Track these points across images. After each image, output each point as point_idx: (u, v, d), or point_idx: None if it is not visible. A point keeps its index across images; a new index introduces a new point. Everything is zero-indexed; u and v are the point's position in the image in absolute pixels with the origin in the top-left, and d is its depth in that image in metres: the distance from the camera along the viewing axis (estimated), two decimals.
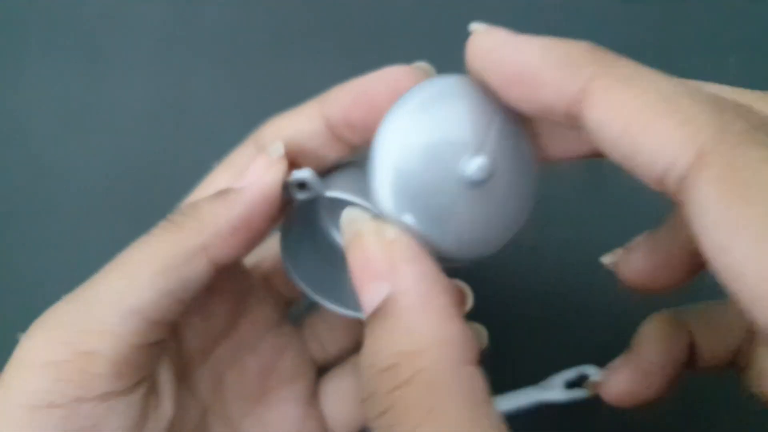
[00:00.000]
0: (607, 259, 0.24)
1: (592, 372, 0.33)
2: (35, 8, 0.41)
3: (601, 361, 0.33)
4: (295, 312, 0.30)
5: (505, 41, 0.18)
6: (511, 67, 0.18)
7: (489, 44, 0.19)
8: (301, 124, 0.24)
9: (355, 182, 0.22)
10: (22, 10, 0.41)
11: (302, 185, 0.22)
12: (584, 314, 0.35)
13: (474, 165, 0.18)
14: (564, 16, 0.37)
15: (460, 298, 0.24)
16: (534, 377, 0.34)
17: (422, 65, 0.22)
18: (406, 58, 0.36)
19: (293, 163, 0.23)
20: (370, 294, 0.17)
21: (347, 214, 0.20)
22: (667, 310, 0.25)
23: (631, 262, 0.23)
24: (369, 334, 0.17)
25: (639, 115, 0.15)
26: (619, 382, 0.25)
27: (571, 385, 0.33)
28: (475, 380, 0.16)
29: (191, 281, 0.21)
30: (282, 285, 0.29)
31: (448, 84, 0.20)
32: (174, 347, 0.25)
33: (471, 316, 0.35)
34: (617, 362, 0.26)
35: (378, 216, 0.19)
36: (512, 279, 0.35)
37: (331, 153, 0.24)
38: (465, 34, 0.38)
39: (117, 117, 0.39)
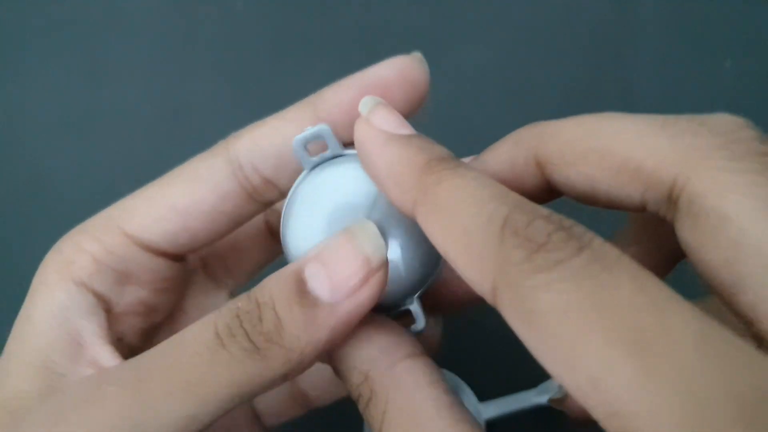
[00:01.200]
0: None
1: (555, 386, 0.33)
2: (35, 11, 0.41)
3: None
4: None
5: (371, 138, 0.18)
6: (371, 168, 0.18)
7: (362, 135, 0.18)
8: (289, 132, 0.21)
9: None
10: (22, 13, 0.41)
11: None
12: None
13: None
14: (557, 20, 0.37)
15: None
16: (531, 382, 0.34)
17: (418, 55, 0.21)
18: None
19: (273, 181, 0.21)
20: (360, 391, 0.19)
21: None
22: None
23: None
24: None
25: (446, 248, 0.16)
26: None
27: None
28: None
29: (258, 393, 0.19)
30: (222, 272, 0.27)
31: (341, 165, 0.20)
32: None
33: (470, 324, 0.35)
34: None
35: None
36: None
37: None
38: (460, 39, 0.39)
39: (116, 120, 0.39)
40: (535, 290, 0.14)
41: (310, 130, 0.20)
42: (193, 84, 0.39)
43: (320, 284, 0.18)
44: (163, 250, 0.22)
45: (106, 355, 0.20)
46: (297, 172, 0.21)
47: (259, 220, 0.26)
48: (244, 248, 0.26)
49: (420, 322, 0.20)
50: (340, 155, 0.20)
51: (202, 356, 0.18)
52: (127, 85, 0.40)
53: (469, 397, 0.34)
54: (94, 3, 0.40)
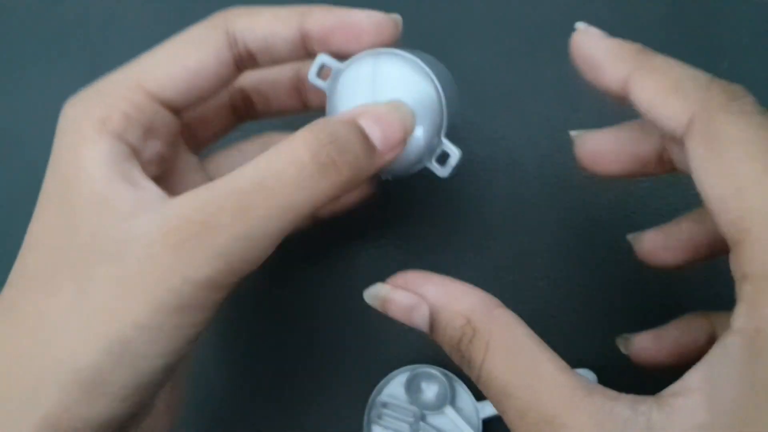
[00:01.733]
0: (573, 133, 0.30)
1: (587, 375, 0.33)
2: (36, 15, 0.41)
3: (595, 365, 0.34)
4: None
5: (588, 40, 0.25)
6: (588, 58, 0.25)
7: (579, 41, 0.25)
8: (277, 26, 0.26)
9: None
10: (23, 16, 0.41)
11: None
12: (578, 319, 0.35)
13: None
14: (555, 22, 0.37)
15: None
16: None
17: (396, 17, 0.27)
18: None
19: (256, 59, 0.27)
20: (419, 320, 0.24)
21: (370, 296, 0.25)
22: None
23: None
24: (436, 334, 0.24)
25: (656, 95, 0.22)
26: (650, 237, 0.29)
27: None
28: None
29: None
30: (189, 136, 0.30)
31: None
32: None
33: None
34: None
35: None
36: (508, 287, 0.36)
37: (294, 56, 0.27)
38: (458, 39, 0.39)
39: None
40: (725, 124, 0.21)
41: (314, 63, 0.26)
42: None
43: (375, 135, 0.24)
44: (175, 107, 0.26)
45: (156, 188, 0.24)
46: (274, 56, 0.27)
47: (223, 96, 0.31)
48: (209, 119, 0.31)
49: (455, 151, 0.27)
50: (351, 62, 0.27)
51: (294, 183, 0.22)
52: None
53: (466, 396, 0.34)
54: (97, 6, 0.40)
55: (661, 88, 0.22)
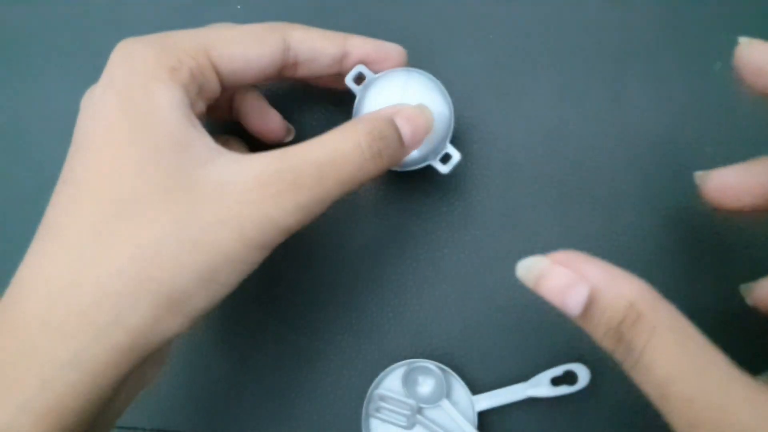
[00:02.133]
0: (698, 174, 0.30)
1: (580, 370, 0.34)
2: (39, 18, 0.41)
3: (587, 360, 0.34)
4: None
5: (754, 52, 0.26)
6: (757, 69, 0.26)
7: (746, 53, 0.26)
8: (325, 43, 0.31)
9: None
10: (26, 19, 0.41)
11: (360, 78, 0.33)
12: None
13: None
14: (549, 23, 0.37)
15: None
16: (522, 375, 0.35)
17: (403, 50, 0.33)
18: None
19: (296, 66, 0.31)
20: (576, 298, 0.24)
21: (524, 267, 0.26)
22: None
23: (721, 179, 0.29)
24: (591, 317, 0.24)
25: None
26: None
27: (557, 381, 0.34)
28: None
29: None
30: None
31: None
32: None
33: (464, 321, 0.36)
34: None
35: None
36: (502, 284, 0.36)
37: (333, 69, 0.32)
38: (456, 39, 0.39)
39: None
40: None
41: (353, 70, 0.32)
42: None
43: (406, 132, 0.30)
44: (224, 82, 0.29)
45: (216, 145, 0.27)
46: (315, 69, 0.32)
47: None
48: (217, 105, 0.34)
49: (456, 154, 0.32)
50: (381, 75, 0.33)
51: (355, 163, 0.27)
52: None
53: (461, 389, 0.35)
54: (97, 6, 0.41)
55: None
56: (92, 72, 0.40)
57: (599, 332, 0.24)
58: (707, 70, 0.37)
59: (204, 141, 0.26)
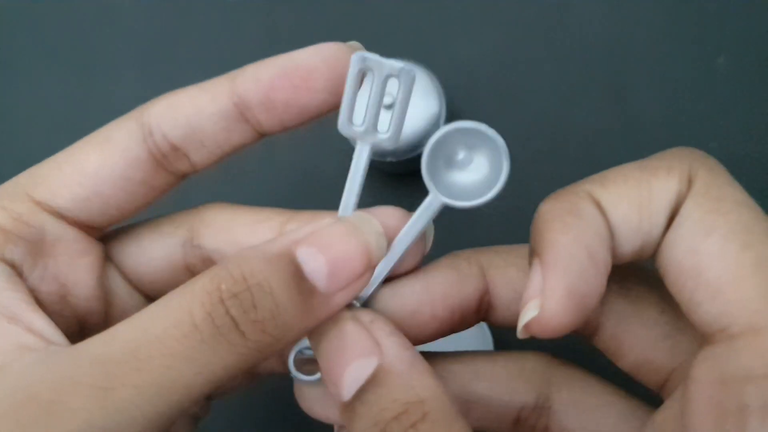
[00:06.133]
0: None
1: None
2: (29, 16, 0.41)
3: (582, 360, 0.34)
4: None
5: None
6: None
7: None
8: (203, 102, 0.20)
9: None
10: (16, 17, 0.41)
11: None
12: None
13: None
14: (551, 17, 0.37)
15: None
16: None
17: (355, 44, 0.21)
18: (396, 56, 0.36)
19: (182, 149, 0.21)
20: (357, 371, 0.18)
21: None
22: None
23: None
24: (361, 403, 0.18)
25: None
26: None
27: None
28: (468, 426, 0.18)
29: None
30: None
31: None
32: None
33: None
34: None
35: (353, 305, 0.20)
36: None
37: (235, 138, 0.21)
38: (454, 35, 0.39)
39: (111, 120, 0.39)
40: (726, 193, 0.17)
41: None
42: (187, 83, 0.39)
43: (318, 272, 0.17)
44: (75, 218, 0.21)
45: (42, 324, 0.19)
46: (208, 143, 0.21)
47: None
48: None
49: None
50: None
51: (177, 354, 0.16)
52: (121, 88, 0.40)
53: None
54: (89, 3, 0.40)
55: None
56: (83, 68, 0.40)
57: (360, 425, 0.18)
58: (710, 64, 0.36)
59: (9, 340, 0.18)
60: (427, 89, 0.32)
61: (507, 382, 0.21)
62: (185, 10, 0.39)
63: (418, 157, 0.24)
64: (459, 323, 0.21)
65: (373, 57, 0.19)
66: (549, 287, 0.17)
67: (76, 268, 0.21)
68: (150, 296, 0.23)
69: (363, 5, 0.38)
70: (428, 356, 0.20)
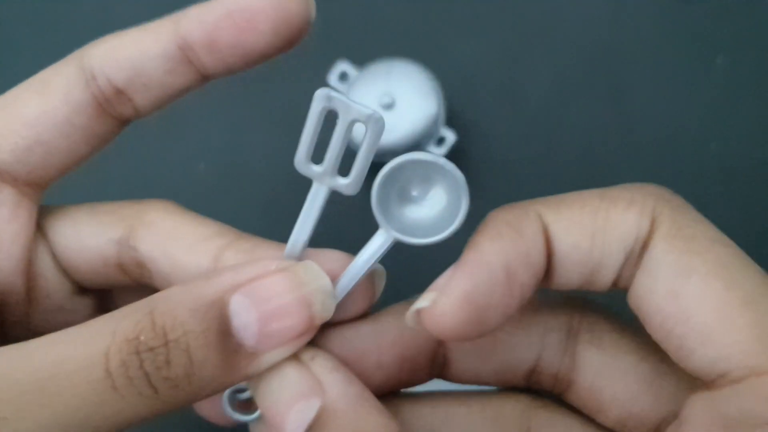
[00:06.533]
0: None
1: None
2: (29, 16, 0.41)
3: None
4: None
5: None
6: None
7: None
8: (147, 44, 0.19)
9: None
10: (14, 15, 0.41)
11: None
12: None
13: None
14: (550, 16, 0.37)
15: None
16: None
17: None
18: (390, 58, 0.36)
19: (126, 93, 0.20)
20: (300, 414, 0.17)
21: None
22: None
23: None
24: None
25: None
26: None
27: None
28: None
29: None
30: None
31: None
32: None
33: None
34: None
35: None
36: None
37: (179, 80, 0.20)
38: (455, 34, 0.38)
39: None
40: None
41: (336, 69, 0.26)
42: None
43: (247, 329, 0.16)
44: (12, 173, 0.20)
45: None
46: (152, 86, 0.20)
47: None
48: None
49: (450, 135, 0.33)
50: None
51: (87, 397, 0.15)
52: None
53: None
54: (87, 2, 0.40)
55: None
56: None
57: None
58: (709, 64, 0.36)
59: None
60: (426, 89, 0.32)
61: (482, 429, 0.20)
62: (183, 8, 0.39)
63: None
64: (408, 377, 0.20)
65: (340, 98, 0.17)
66: (449, 285, 0.17)
67: (1, 234, 0.20)
68: (80, 285, 0.21)
69: (362, 3, 0.38)
70: (393, 396, 0.19)
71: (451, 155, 0.33)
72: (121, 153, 0.39)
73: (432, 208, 0.18)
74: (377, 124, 0.17)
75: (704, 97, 0.36)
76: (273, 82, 0.38)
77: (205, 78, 0.20)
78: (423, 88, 0.32)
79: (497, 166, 0.36)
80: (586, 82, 0.36)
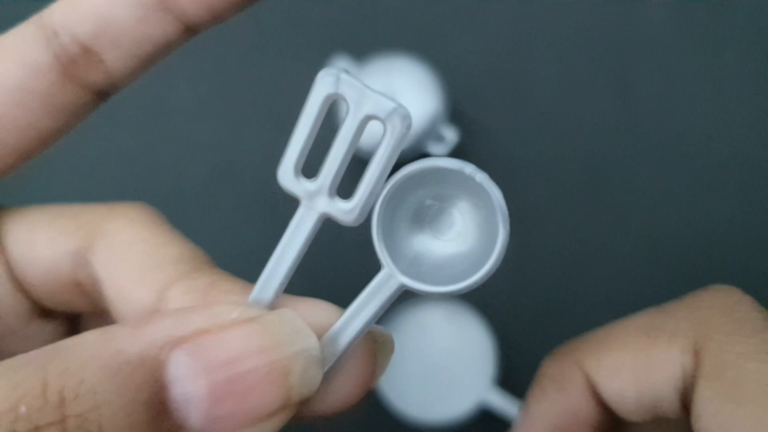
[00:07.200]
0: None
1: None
2: (28, 14, 0.40)
3: None
4: None
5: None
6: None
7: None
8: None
9: None
10: (17, 16, 0.40)
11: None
12: (578, 313, 0.35)
13: None
14: (555, 12, 0.37)
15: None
16: None
17: None
18: (390, 53, 0.35)
19: (94, 51, 0.17)
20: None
21: None
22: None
23: None
24: None
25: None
26: None
27: None
28: None
29: None
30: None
31: None
32: None
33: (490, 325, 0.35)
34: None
35: None
36: (503, 284, 0.35)
37: (155, 32, 0.16)
38: (456, 31, 0.38)
39: (105, 119, 0.39)
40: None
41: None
42: (179, 84, 0.39)
43: (193, 404, 0.11)
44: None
45: None
46: (123, 40, 0.17)
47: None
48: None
49: (451, 134, 0.33)
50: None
51: None
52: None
53: None
54: None
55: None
56: None
57: None
58: (718, 60, 0.36)
59: None
60: (427, 85, 0.32)
61: None
62: None
63: (416, 159, 0.19)
64: None
65: (353, 82, 0.12)
66: None
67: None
68: (32, 299, 0.17)
69: (362, 4, 0.38)
70: None
71: (453, 154, 0.32)
72: (113, 153, 0.39)
73: (455, 240, 0.13)
74: (402, 124, 0.12)
75: (712, 93, 0.36)
76: (268, 78, 0.38)
77: (187, 29, 0.17)
78: (424, 85, 0.32)
79: (501, 165, 0.36)
80: (593, 78, 0.36)
